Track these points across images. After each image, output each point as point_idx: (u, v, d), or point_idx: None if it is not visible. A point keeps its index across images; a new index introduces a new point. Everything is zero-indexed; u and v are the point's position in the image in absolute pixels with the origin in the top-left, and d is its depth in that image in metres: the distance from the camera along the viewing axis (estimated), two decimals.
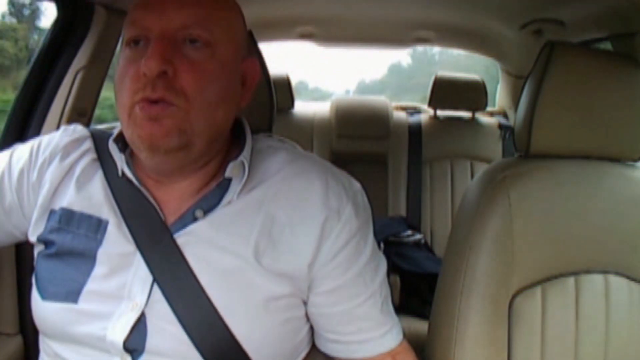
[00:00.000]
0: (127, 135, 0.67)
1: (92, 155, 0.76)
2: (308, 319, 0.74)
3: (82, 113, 1.22)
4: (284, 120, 2.22)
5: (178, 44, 0.65)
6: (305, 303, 0.72)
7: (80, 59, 1.18)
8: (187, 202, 0.71)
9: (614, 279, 0.89)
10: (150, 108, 0.63)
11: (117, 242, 0.70)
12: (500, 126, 2.21)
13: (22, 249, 1.05)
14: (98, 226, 0.71)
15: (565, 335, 0.88)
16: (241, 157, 0.71)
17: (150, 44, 0.64)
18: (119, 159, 0.72)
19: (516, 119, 0.97)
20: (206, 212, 0.70)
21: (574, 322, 0.88)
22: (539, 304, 0.87)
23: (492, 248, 0.87)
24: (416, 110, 2.39)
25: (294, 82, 2.33)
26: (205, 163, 0.71)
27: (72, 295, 0.69)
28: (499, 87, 2.41)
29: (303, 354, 0.76)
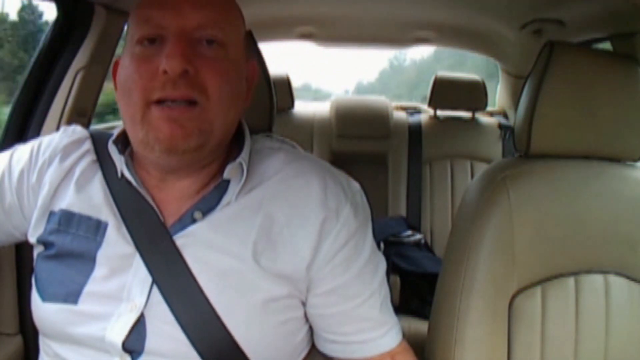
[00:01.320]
0: (139, 136, 0.66)
1: (91, 156, 0.76)
2: (307, 319, 0.74)
3: (82, 113, 1.22)
4: (284, 120, 2.22)
5: (195, 44, 0.65)
6: (304, 304, 0.72)
7: (80, 59, 1.18)
8: (186, 204, 0.71)
9: (614, 279, 0.89)
10: (171, 110, 0.63)
11: (116, 243, 0.70)
12: (500, 126, 2.21)
13: (22, 250, 1.05)
14: (97, 228, 0.71)
15: (565, 335, 0.88)
16: (239, 159, 0.71)
17: (167, 43, 0.64)
18: (119, 161, 0.72)
19: (516, 119, 0.97)
20: (205, 213, 0.70)
21: (574, 322, 0.88)
22: (539, 304, 0.87)
23: (492, 248, 0.87)
24: (416, 110, 2.39)
25: (298, 84, 2.33)
26: (208, 163, 0.71)
27: (71, 296, 0.69)
28: (499, 87, 2.41)
29: (302, 355, 0.76)
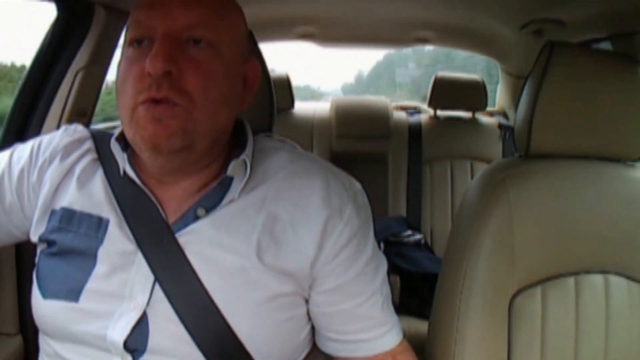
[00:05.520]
0: (129, 136, 0.67)
1: (92, 155, 0.76)
2: (309, 318, 0.74)
3: (82, 113, 1.22)
4: (284, 120, 2.22)
5: (182, 44, 0.65)
6: (306, 301, 0.72)
7: (80, 59, 1.18)
8: (188, 201, 0.71)
9: (614, 279, 0.89)
10: (155, 109, 0.63)
11: (118, 240, 0.70)
12: (500, 126, 2.21)
13: (22, 249, 1.04)
14: (99, 225, 0.71)
15: (565, 335, 0.88)
16: (243, 156, 0.71)
17: (154, 44, 0.64)
18: (121, 158, 0.72)
19: (516, 119, 0.97)
20: (208, 210, 0.70)
21: (574, 322, 0.88)
22: (539, 304, 0.87)
23: (492, 248, 0.87)
24: (416, 110, 2.39)
25: (300, 84, 2.34)
26: (207, 164, 0.71)
27: (73, 293, 0.69)
28: (499, 87, 2.41)
29: (304, 354, 0.76)
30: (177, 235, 0.69)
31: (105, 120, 1.76)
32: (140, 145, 0.65)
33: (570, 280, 0.88)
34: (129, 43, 0.67)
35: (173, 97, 0.63)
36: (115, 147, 0.73)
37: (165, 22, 0.65)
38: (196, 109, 0.64)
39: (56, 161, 0.76)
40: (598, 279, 0.89)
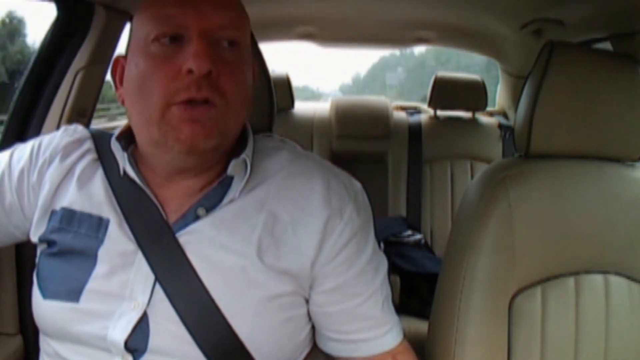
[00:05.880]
0: (154, 136, 0.66)
1: (92, 155, 0.76)
2: (310, 318, 0.74)
3: (82, 113, 1.22)
4: (284, 120, 2.22)
5: (215, 45, 0.65)
6: (307, 301, 0.72)
7: (80, 59, 1.18)
8: (189, 200, 0.71)
9: (614, 279, 0.89)
10: (193, 110, 0.63)
11: (118, 240, 0.70)
12: (500, 126, 2.21)
13: (22, 249, 1.05)
14: (99, 225, 0.71)
15: (565, 335, 0.88)
16: (243, 155, 0.71)
17: (188, 42, 0.64)
18: (121, 158, 0.72)
19: (516, 119, 0.97)
20: (208, 210, 0.70)
21: (574, 322, 0.88)
22: (539, 304, 0.88)
23: (492, 248, 0.87)
24: (416, 110, 2.39)
25: (301, 85, 2.34)
26: (215, 162, 0.72)
27: (73, 294, 0.68)
28: (498, 87, 2.41)
29: (304, 353, 0.76)
30: (177, 235, 0.69)
31: None
32: (173, 145, 0.64)
33: (570, 281, 0.88)
34: (153, 39, 0.65)
35: (213, 97, 0.63)
36: (115, 147, 0.73)
37: (200, 21, 0.64)
38: (229, 109, 0.65)
39: (56, 161, 0.76)
40: (598, 279, 0.89)
